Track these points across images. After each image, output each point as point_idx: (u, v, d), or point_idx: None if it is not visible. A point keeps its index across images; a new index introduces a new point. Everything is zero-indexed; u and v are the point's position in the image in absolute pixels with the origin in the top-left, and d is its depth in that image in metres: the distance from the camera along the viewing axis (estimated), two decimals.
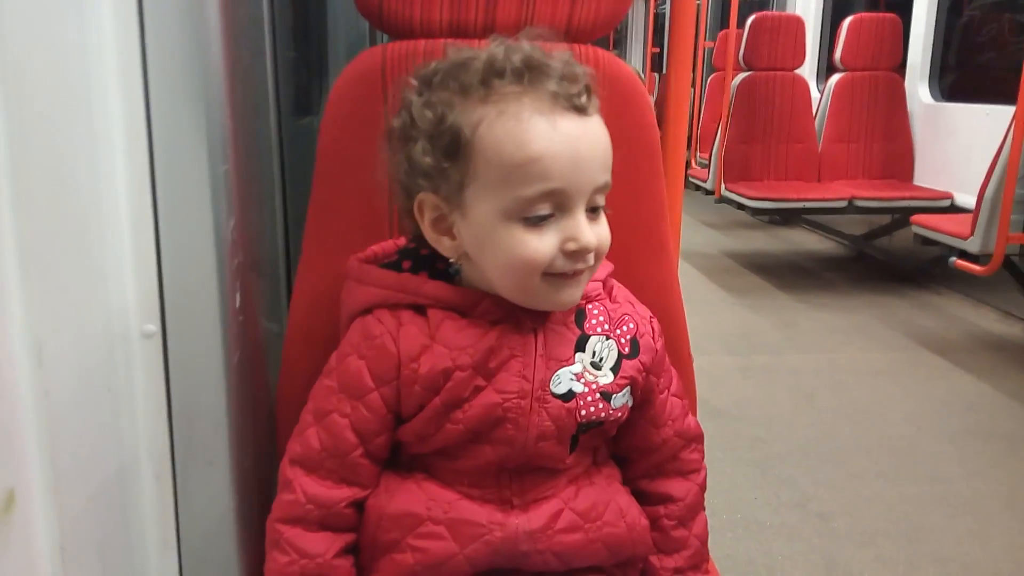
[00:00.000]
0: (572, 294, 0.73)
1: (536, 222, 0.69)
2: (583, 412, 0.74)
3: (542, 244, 0.69)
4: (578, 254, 0.70)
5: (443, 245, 0.75)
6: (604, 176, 0.71)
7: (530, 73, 0.69)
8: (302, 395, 0.79)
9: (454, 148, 0.70)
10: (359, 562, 0.77)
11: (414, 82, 0.74)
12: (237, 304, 0.80)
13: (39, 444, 0.62)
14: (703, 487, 0.86)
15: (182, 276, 0.75)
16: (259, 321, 0.88)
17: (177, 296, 0.75)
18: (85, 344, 0.68)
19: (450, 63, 0.72)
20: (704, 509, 0.86)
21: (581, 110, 0.69)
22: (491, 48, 0.71)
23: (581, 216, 0.69)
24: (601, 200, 0.72)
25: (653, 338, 0.81)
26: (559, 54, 0.72)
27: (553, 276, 0.71)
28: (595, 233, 0.71)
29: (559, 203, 0.69)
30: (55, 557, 0.64)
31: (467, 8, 0.87)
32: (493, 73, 0.69)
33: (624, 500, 0.80)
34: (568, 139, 0.68)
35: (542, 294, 0.72)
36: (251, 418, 0.84)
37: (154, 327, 0.74)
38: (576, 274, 0.71)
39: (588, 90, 0.70)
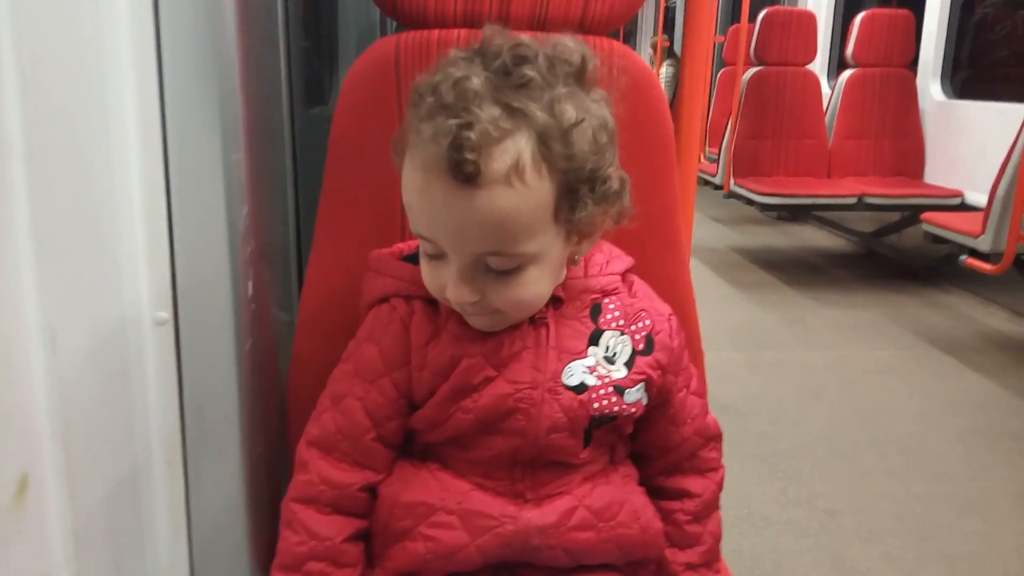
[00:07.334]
0: (480, 323, 0.72)
1: (430, 254, 0.69)
2: (595, 405, 0.74)
3: (434, 275, 0.70)
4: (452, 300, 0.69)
5: None
6: (492, 246, 0.65)
7: (439, 117, 0.62)
8: (312, 384, 0.79)
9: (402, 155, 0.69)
10: (370, 550, 0.77)
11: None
12: (249, 293, 0.80)
13: (52, 430, 0.62)
14: (720, 486, 0.85)
15: (195, 264, 0.75)
16: (270, 310, 0.88)
17: (189, 284, 0.75)
18: (98, 331, 0.68)
19: (447, 62, 0.67)
20: (719, 508, 0.85)
21: (464, 179, 0.61)
22: (453, 66, 0.65)
23: (456, 269, 0.67)
24: (503, 264, 0.66)
25: (670, 336, 0.79)
26: (487, 110, 0.62)
27: None
28: (494, 291, 0.67)
29: (438, 249, 0.67)
30: (68, 542, 0.64)
31: None
32: (421, 101, 0.65)
33: (640, 501, 0.79)
34: (435, 203, 0.64)
35: (455, 311, 0.73)
36: (262, 407, 0.84)
37: (166, 315, 0.74)
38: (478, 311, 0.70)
39: (474, 164, 0.60)
